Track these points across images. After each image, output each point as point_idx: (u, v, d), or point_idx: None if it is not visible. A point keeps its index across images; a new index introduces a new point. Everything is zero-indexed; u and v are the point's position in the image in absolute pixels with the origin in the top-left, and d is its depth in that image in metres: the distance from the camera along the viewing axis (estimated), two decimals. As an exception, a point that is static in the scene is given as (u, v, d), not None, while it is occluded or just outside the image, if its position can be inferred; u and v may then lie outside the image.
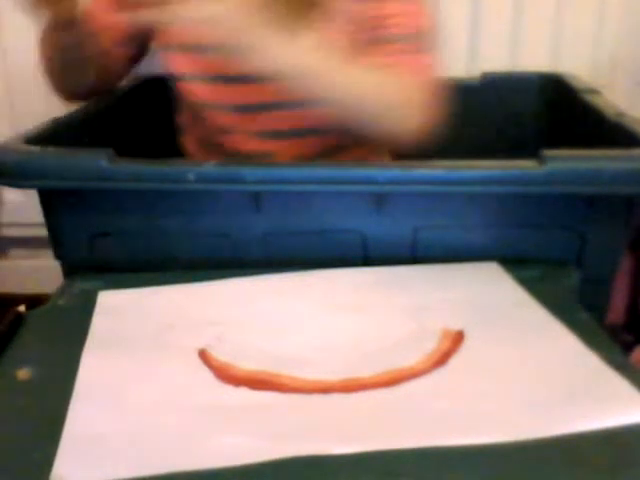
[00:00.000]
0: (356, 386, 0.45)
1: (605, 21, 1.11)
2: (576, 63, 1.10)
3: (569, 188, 0.58)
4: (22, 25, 1.12)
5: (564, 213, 0.62)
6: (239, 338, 0.51)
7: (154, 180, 0.59)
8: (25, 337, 0.52)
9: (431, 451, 0.38)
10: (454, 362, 0.47)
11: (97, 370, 0.47)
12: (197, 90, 0.80)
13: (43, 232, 0.65)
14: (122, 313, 0.55)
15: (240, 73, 0.69)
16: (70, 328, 0.54)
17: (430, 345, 0.49)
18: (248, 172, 0.58)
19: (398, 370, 0.46)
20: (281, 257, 0.63)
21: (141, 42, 0.84)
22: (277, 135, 0.79)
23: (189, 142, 0.89)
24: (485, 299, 0.56)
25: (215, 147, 0.83)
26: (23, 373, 0.47)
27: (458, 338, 0.50)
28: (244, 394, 0.44)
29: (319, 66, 0.62)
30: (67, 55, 0.74)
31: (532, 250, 0.63)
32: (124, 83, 0.97)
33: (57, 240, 0.65)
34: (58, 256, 0.66)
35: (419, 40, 0.70)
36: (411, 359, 0.47)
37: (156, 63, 1.13)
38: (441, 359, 0.47)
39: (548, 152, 0.57)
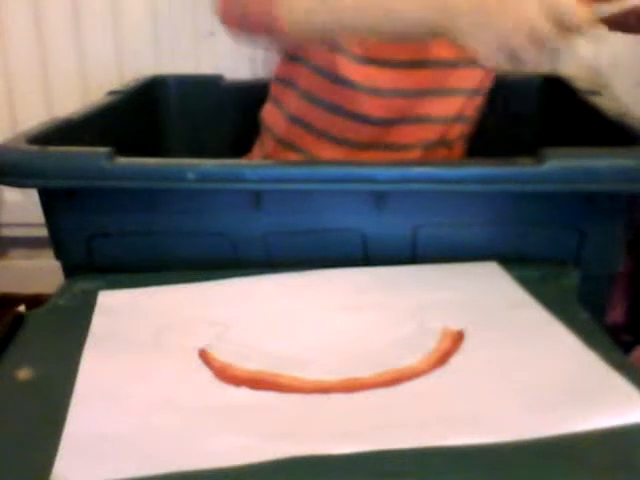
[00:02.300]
0: (356, 386, 0.45)
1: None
2: (576, 64, 1.10)
3: (568, 186, 0.58)
4: (23, 25, 1.12)
5: (564, 211, 0.62)
6: (239, 338, 0.51)
7: (154, 179, 0.59)
8: (25, 337, 0.52)
9: (431, 451, 0.38)
10: (454, 362, 0.47)
11: (97, 370, 0.47)
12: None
13: (43, 232, 0.65)
14: (122, 313, 0.55)
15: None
16: (70, 328, 0.54)
17: (430, 345, 0.49)
18: (248, 171, 0.58)
19: (398, 370, 0.46)
20: (281, 257, 0.63)
21: None
22: (404, 148, 0.78)
23: (266, 140, 0.86)
24: (485, 299, 0.56)
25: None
26: (23, 373, 0.47)
27: (458, 338, 0.50)
28: (244, 394, 0.44)
29: None
30: None
31: (532, 248, 0.63)
32: (124, 83, 0.98)
33: (57, 240, 0.65)
34: (58, 256, 0.66)
35: None
36: (411, 359, 0.47)
37: (158, 63, 1.13)
38: (441, 359, 0.47)
39: (547, 150, 0.57)
